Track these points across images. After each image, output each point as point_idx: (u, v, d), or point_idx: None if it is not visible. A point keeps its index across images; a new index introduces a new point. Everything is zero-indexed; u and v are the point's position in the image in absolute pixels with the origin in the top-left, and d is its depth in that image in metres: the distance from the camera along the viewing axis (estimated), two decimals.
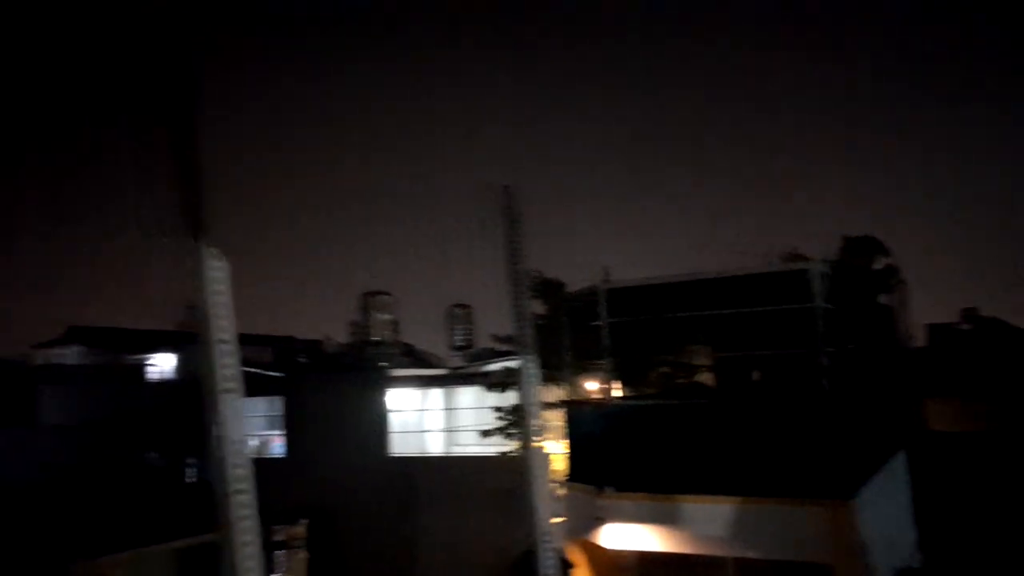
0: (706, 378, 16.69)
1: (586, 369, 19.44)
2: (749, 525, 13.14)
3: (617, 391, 18.63)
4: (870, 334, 17.37)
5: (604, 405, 16.26)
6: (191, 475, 25.34)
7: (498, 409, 20.25)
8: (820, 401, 13.88)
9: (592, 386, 20.36)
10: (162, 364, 33.34)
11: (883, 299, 20.16)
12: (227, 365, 3.71)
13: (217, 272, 3.83)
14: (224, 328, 3.77)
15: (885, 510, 15.39)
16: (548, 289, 19.24)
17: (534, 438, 5.99)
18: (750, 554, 13.60)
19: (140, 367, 32.20)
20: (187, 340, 29.09)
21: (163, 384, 31.37)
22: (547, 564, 5.68)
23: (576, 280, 19.78)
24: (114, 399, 27.32)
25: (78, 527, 18.28)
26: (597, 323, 16.89)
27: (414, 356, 31.16)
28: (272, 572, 16.66)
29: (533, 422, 5.99)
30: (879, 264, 19.53)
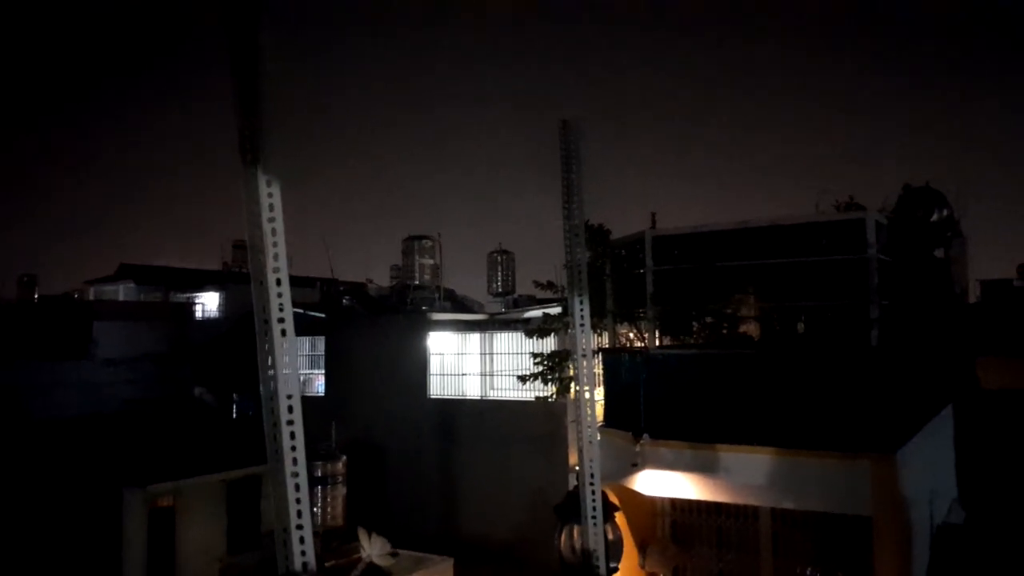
0: (751, 329, 16.41)
1: (628, 318, 19.25)
2: (789, 476, 13.05)
3: (658, 340, 18.46)
4: (924, 288, 16.88)
5: (644, 353, 16.13)
6: (237, 411, 26.06)
7: (536, 355, 20.29)
8: (867, 354, 13.58)
9: (632, 335, 20.22)
10: (208, 302, 34.04)
11: (939, 252, 19.53)
12: (280, 294, 3.68)
13: (271, 200, 3.77)
14: (277, 256, 3.73)
15: (929, 465, 15.17)
16: (592, 235, 18.97)
17: (582, 385, 5.94)
18: (788, 505, 13.55)
19: (188, 305, 32.93)
20: (232, 279, 29.61)
21: (210, 322, 32.08)
22: (590, 504, 5.67)
23: (621, 227, 19.47)
24: (163, 335, 28.05)
25: (130, 456, 18.99)
26: (641, 271, 16.61)
27: (454, 301, 31.31)
28: (313, 506, 17.09)
29: (584, 366, 5.93)
30: (937, 216, 18.88)
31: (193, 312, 32.30)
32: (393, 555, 2.90)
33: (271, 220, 3.76)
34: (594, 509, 5.72)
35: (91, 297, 36.61)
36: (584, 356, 5.77)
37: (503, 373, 22.65)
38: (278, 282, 3.71)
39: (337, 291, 29.18)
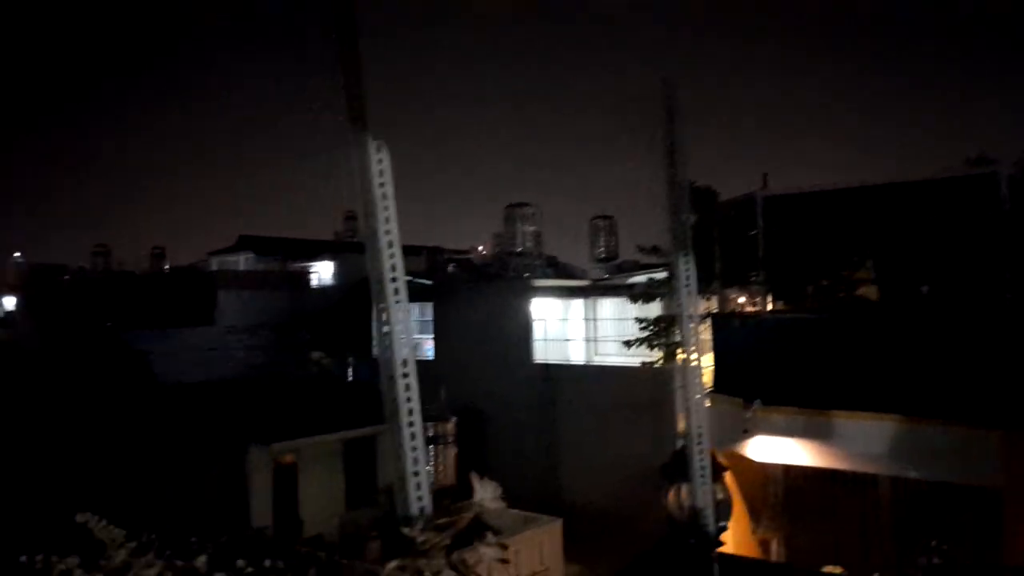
0: (869, 292, 15.68)
1: (737, 282, 18.75)
2: (912, 445, 12.47)
3: (770, 305, 17.91)
4: None
5: (756, 318, 15.70)
6: (353, 374, 27.13)
7: (641, 320, 20.08)
8: (1000, 318, 12.71)
9: (742, 299, 19.71)
10: (323, 271, 35.37)
11: None
12: (392, 256, 3.80)
13: (381, 166, 3.88)
14: (389, 220, 3.84)
15: None
16: (699, 197, 18.52)
17: (688, 347, 5.86)
18: (913, 475, 12.95)
19: (304, 274, 34.33)
20: (345, 249, 30.61)
21: (325, 290, 33.37)
22: (699, 464, 5.63)
23: (731, 189, 18.89)
24: (282, 303, 29.40)
25: (255, 418, 20.15)
26: (752, 233, 16.12)
27: (557, 267, 31.35)
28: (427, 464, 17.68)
29: (690, 329, 5.84)
30: None
31: (309, 281, 33.66)
32: (503, 499, 3.01)
33: (382, 185, 3.88)
34: (702, 468, 5.67)
35: (214, 268, 38.77)
36: (690, 317, 5.68)
37: (607, 339, 22.57)
38: (390, 244, 3.83)
39: (443, 259, 29.76)
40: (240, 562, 3.19)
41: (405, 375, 3.72)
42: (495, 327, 23.57)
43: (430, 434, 18.05)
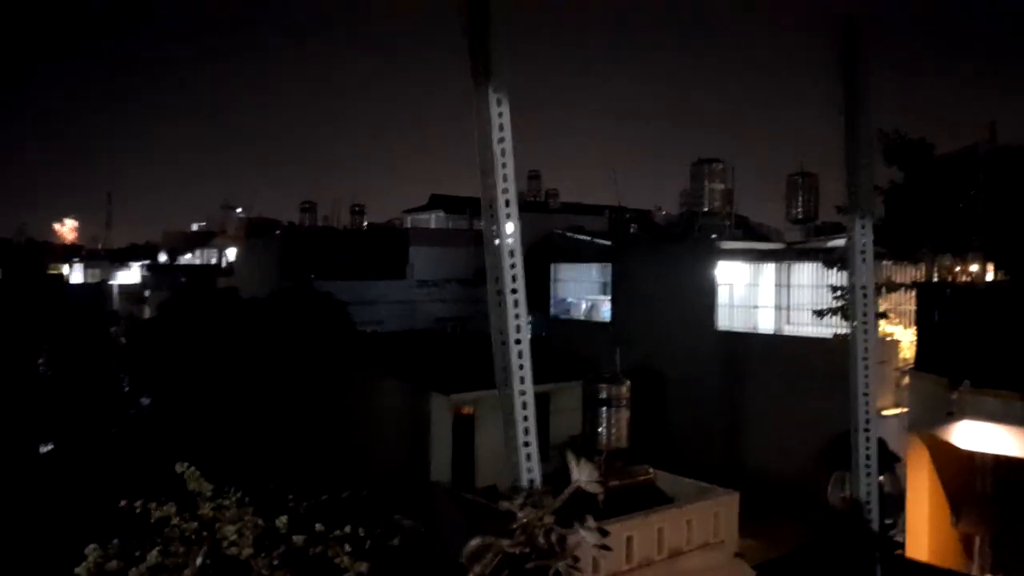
0: None
1: (952, 248, 16.77)
2: None
3: (989, 274, 15.85)
4: None
5: (970, 288, 13.94)
6: (533, 331, 27.58)
7: (836, 288, 18.55)
8: None
9: (957, 267, 17.61)
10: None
11: None
12: (508, 215, 3.64)
13: (501, 120, 3.70)
14: (507, 177, 3.67)
15: None
16: (908, 151, 16.62)
17: (864, 318, 5.20)
18: None
19: None
20: (528, 208, 30.86)
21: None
22: (864, 452, 5.02)
23: (950, 143, 16.81)
24: (468, 259, 30.40)
25: (439, 367, 21.10)
26: (972, 192, 14.24)
27: (748, 228, 29.69)
28: (598, 427, 17.61)
29: (864, 300, 5.18)
30: None
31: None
32: (600, 483, 2.81)
33: (501, 141, 3.71)
34: (868, 457, 5.05)
35: (407, 225, 40.83)
36: (864, 289, 5.02)
37: (801, 307, 21.11)
38: (507, 203, 3.67)
39: (624, 219, 29.18)
40: (319, 526, 3.23)
41: (518, 341, 3.56)
42: (677, 290, 22.85)
43: (603, 396, 17.94)
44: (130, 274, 52.24)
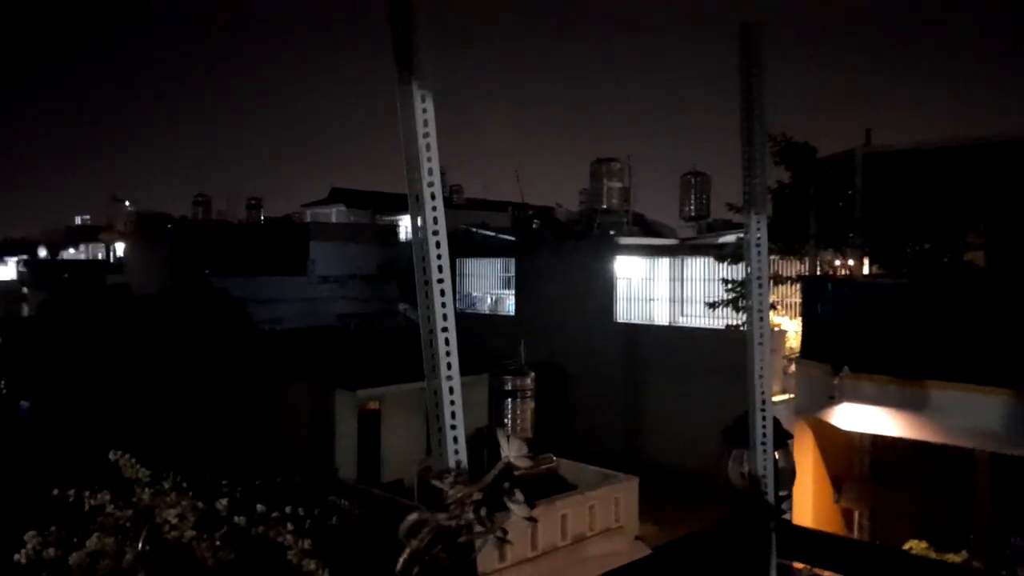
0: (976, 257, 14.67)
1: (833, 243, 17.91)
2: (1021, 421, 11.68)
3: (866, 268, 17.04)
4: None
5: (850, 281, 14.96)
6: None
7: (728, 282, 19.51)
8: None
9: (838, 262, 18.83)
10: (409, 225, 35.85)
11: None
12: (435, 208, 3.74)
13: (425, 115, 3.80)
14: (432, 171, 3.77)
15: None
16: (795, 153, 17.63)
17: (760, 306, 5.60)
18: (1017, 452, 12.17)
19: (394, 227, 34.96)
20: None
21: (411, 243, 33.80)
22: (761, 430, 5.42)
23: (830, 146, 17.93)
24: (372, 255, 30.07)
25: (342, 364, 20.85)
26: (850, 192, 15.27)
27: (644, 225, 30.71)
28: (504, 418, 17.90)
29: (760, 290, 5.58)
30: None
31: (398, 233, 34.29)
32: (530, 458, 2.96)
33: (426, 136, 3.80)
34: (764, 435, 5.46)
35: (307, 219, 39.97)
36: (759, 282, 5.41)
37: (694, 300, 22.07)
38: (432, 196, 3.76)
39: (527, 215, 29.60)
40: (260, 507, 3.27)
41: (444, 329, 3.68)
42: (578, 284, 23.42)
43: (509, 388, 18.25)
44: (5, 270, 48.98)
